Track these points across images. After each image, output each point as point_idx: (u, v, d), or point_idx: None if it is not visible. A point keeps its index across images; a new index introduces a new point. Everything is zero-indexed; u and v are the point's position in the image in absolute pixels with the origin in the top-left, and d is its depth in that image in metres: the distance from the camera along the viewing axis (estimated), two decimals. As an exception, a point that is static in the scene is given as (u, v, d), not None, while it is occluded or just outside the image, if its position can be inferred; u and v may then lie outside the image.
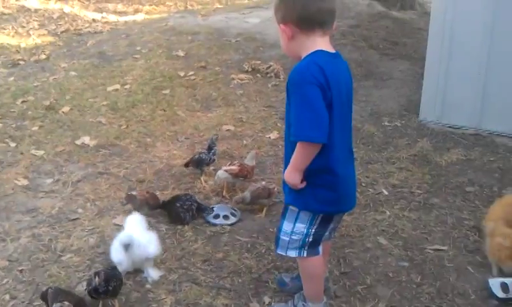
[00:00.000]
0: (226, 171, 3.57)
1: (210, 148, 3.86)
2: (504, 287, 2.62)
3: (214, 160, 3.86)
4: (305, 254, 2.31)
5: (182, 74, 6.09)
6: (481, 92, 4.60)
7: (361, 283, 2.75)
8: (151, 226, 3.12)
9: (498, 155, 4.30)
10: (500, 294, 2.61)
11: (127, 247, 2.69)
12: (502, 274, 2.75)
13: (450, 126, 4.78)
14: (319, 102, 2.01)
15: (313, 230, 2.26)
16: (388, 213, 3.44)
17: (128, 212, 3.35)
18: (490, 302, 2.63)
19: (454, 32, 4.59)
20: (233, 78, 5.98)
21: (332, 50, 2.14)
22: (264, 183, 3.52)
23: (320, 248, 2.35)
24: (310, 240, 2.28)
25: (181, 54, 6.75)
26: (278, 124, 4.85)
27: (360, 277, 2.81)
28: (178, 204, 3.28)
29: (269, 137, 4.57)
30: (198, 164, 3.81)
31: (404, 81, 5.97)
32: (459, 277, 2.84)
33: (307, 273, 2.41)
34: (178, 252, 3.01)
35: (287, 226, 2.29)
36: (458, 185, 3.81)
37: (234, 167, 3.59)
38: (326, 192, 2.17)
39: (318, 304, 2.44)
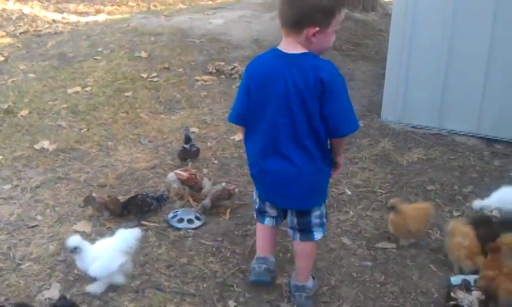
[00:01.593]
0: (175, 174, 3.54)
1: (188, 139, 3.98)
2: (465, 283, 2.66)
3: (197, 149, 4.05)
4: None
5: (144, 76, 6.00)
6: (441, 92, 4.70)
7: (326, 284, 2.76)
8: (112, 233, 3.06)
9: (458, 154, 4.40)
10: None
11: (73, 250, 2.63)
12: (462, 272, 2.80)
13: (411, 126, 4.86)
14: (240, 90, 2.45)
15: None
16: (351, 213, 3.47)
17: (90, 218, 3.30)
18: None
19: (414, 33, 4.67)
20: (197, 80, 5.94)
21: (289, 51, 2.28)
22: (223, 184, 3.49)
23: (266, 220, 2.69)
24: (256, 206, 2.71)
25: (144, 55, 6.66)
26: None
27: (325, 278, 2.82)
28: (139, 196, 3.33)
29: (234, 139, 4.55)
30: (183, 155, 3.97)
31: (366, 82, 6.04)
32: (422, 275, 2.88)
33: None
34: (142, 258, 2.96)
35: None
36: (419, 184, 3.88)
37: (184, 174, 3.54)
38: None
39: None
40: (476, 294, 2.47)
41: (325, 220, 2.56)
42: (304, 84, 2.23)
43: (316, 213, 2.50)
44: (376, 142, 4.57)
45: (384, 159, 4.28)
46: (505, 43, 4.45)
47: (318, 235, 2.54)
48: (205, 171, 3.98)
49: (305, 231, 2.52)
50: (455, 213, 3.45)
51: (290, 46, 2.28)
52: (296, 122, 2.28)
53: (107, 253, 2.69)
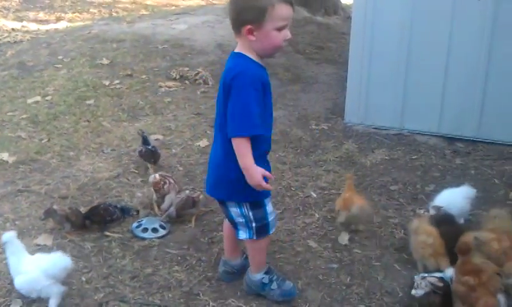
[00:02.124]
0: (158, 175, 3.56)
1: (145, 141, 4.02)
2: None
3: (155, 150, 4.03)
4: None
5: (106, 83, 5.90)
6: (402, 93, 4.79)
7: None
8: (75, 246, 3.00)
9: (420, 153, 4.49)
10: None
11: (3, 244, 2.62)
12: (427, 270, 2.84)
13: (374, 127, 4.94)
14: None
15: None
16: (316, 215, 3.49)
17: (51, 231, 3.22)
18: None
19: (374, 36, 4.75)
20: (160, 86, 5.88)
21: (235, 50, 2.40)
22: (187, 192, 3.46)
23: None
24: None
25: (105, 62, 6.55)
26: (208, 131, 4.81)
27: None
28: (102, 206, 3.26)
29: (199, 145, 4.52)
30: (148, 157, 3.99)
31: (330, 85, 6.11)
32: (387, 275, 2.91)
33: None
34: (105, 271, 2.90)
35: None
36: (383, 185, 3.93)
37: (157, 176, 3.54)
38: None
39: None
40: (432, 280, 2.52)
41: (253, 225, 2.50)
42: (223, 81, 2.34)
43: (234, 209, 2.50)
44: (340, 144, 4.61)
45: (348, 161, 4.32)
46: (462, 45, 4.58)
47: (242, 235, 2.55)
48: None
49: (233, 225, 2.60)
50: (418, 212, 3.49)
51: (237, 46, 2.40)
52: (219, 114, 2.42)
53: (31, 271, 2.56)
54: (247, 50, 2.35)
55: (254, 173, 2.28)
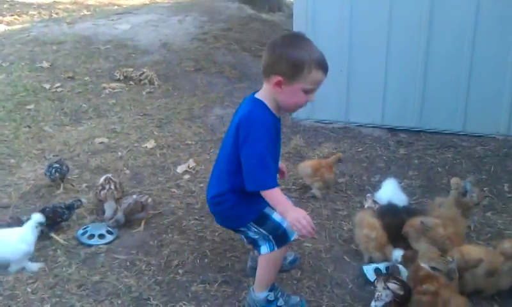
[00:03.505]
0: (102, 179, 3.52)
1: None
2: (377, 272, 2.75)
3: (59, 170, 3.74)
4: None
5: (47, 87, 5.72)
6: (346, 87, 4.88)
7: (245, 288, 2.74)
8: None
9: (365, 145, 4.59)
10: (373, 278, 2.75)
11: None
12: (373, 261, 2.90)
13: (320, 122, 5.00)
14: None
15: None
16: (267, 212, 3.49)
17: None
18: (367, 288, 2.75)
19: (315, 32, 4.81)
20: (104, 88, 5.75)
21: (256, 95, 2.43)
22: (134, 196, 3.38)
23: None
24: None
25: (46, 65, 6.35)
26: (155, 132, 4.74)
27: (243, 281, 2.81)
28: (47, 209, 3.16)
29: (146, 147, 4.45)
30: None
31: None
32: (337, 267, 2.95)
33: None
34: (51, 280, 2.79)
35: None
36: (331, 178, 3.99)
37: (101, 180, 3.50)
38: None
39: None
40: (392, 287, 2.48)
41: (270, 237, 2.45)
42: (237, 122, 2.36)
43: (246, 231, 2.52)
44: (289, 139, 4.65)
45: (297, 156, 4.36)
46: (401, 39, 4.72)
47: (264, 249, 2.47)
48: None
49: (254, 245, 2.56)
50: (364, 204, 3.56)
51: (260, 91, 2.41)
52: (225, 152, 2.50)
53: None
54: (268, 99, 2.37)
55: (295, 214, 2.24)
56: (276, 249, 2.45)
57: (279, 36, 2.43)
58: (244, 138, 2.30)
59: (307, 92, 2.32)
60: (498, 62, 4.59)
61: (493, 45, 4.56)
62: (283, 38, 2.40)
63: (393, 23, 4.69)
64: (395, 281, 2.49)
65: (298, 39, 2.35)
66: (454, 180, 3.34)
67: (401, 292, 2.43)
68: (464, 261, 2.61)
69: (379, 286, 2.49)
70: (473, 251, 2.67)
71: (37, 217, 2.95)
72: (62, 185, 3.73)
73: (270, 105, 2.37)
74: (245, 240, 2.65)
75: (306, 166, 3.77)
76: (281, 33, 7.95)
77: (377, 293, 2.46)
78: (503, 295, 2.64)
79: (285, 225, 2.44)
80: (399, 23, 4.67)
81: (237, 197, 2.45)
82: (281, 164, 2.76)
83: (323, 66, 2.31)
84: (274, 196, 2.30)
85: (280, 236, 2.45)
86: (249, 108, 2.37)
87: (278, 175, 2.64)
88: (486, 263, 2.60)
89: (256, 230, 2.48)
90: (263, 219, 2.45)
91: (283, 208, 2.29)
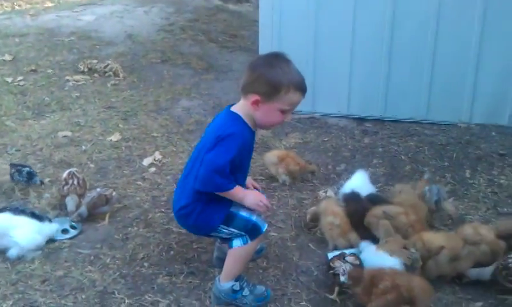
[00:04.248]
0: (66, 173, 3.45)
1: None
2: (339, 257, 2.78)
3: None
4: None
5: (9, 80, 5.59)
6: (312, 78, 4.89)
7: (211, 279, 2.74)
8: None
9: (331, 135, 4.63)
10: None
11: None
12: (337, 248, 2.93)
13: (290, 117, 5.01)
14: None
15: None
16: (233, 203, 3.49)
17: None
18: (331, 275, 2.79)
19: (282, 22, 4.83)
20: (68, 80, 5.65)
21: (232, 108, 2.51)
22: (98, 189, 3.34)
23: None
24: None
25: (8, 58, 6.20)
26: (120, 125, 4.68)
27: (209, 271, 2.81)
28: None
29: (111, 140, 4.39)
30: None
31: (244, 73, 6.11)
32: (302, 255, 2.98)
33: None
34: (14, 277, 2.74)
35: None
36: (297, 167, 4.01)
37: (64, 175, 3.44)
38: None
39: None
40: (350, 259, 2.61)
41: (242, 233, 2.48)
42: (214, 135, 2.40)
43: (218, 234, 2.55)
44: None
45: (263, 147, 4.37)
46: (367, 29, 4.76)
47: (237, 242, 2.49)
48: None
49: (227, 242, 2.57)
50: (329, 192, 3.60)
51: (237, 105, 2.48)
52: (193, 163, 2.55)
53: None
54: (245, 114, 2.44)
55: (248, 198, 2.44)
56: (249, 241, 2.49)
57: (260, 55, 2.52)
58: (215, 145, 2.36)
59: (284, 112, 2.40)
60: (460, 53, 4.68)
61: (455, 35, 4.64)
62: (263, 58, 2.49)
63: (358, 15, 4.73)
64: (349, 254, 2.66)
65: (278, 60, 2.41)
66: (421, 184, 3.37)
67: (358, 262, 2.60)
68: (426, 249, 2.67)
69: (338, 263, 2.59)
70: (434, 238, 2.72)
71: (64, 225, 3.15)
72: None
73: (247, 119, 2.44)
74: (219, 240, 2.67)
75: (272, 155, 3.79)
76: (249, 25, 7.98)
77: (341, 269, 2.54)
78: (463, 277, 2.71)
79: (254, 218, 2.47)
80: (363, 14, 4.72)
81: (202, 205, 2.48)
82: (256, 184, 2.82)
83: (301, 89, 2.40)
84: (230, 192, 2.42)
85: (252, 230, 2.48)
86: (227, 120, 2.45)
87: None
88: (447, 249, 2.66)
89: (227, 231, 2.50)
90: (231, 219, 2.48)
91: (240, 196, 2.43)
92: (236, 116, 2.45)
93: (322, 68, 4.89)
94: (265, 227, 2.53)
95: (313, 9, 4.78)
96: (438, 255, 2.65)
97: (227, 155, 2.33)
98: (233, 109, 2.49)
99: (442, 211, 3.21)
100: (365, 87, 4.92)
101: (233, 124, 2.42)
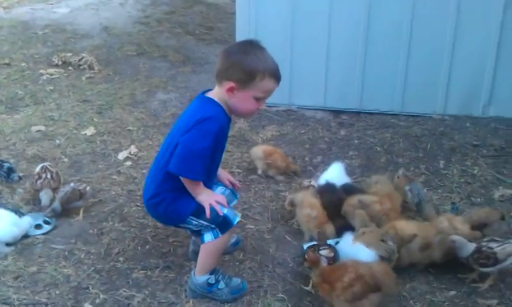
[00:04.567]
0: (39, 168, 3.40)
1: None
2: (313, 248, 2.80)
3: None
4: None
5: (-19, 74, 5.47)
6: (289, 70, 4.90)
7: (186, 273, 2.73)
8: None
9: (308, 127, 4.65)
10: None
11: None
12: (313, 239, 2.95)
13: (264, 105, 5.01)
14: None
15: None
16: (210, 196, 3.48)
17: None
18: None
19: (258, 13, 4.82)
20: (41, 74, 5.57)
21: (207, 93, 2.49)
22: (72, 184, 3.30)
23: None
24: None
25: (-21, 51, 6.07)
26: (95, 119, 4.63)
27: (185, 265, 2.81)
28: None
29: (85, 134, 4.34)
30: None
31: (218, 59, 6.09)
32: (278, 247, 2.99)
33: None
34: (-15, 274, 2.71)
35: None
36: (274, 160, 4.02)
37: (37, 169, 3.40)
38: None
39: None
40: (324, 253, 2.65)
41: (212, 226, 2.45)
42: (186, 121, 2.39)
43: (187, 226, 2.54)
44: (233, 123, 4.57)
45: (240, 139, 4.37)
46: (343, 22, 4.79)
47: (208, 237, 2.47)
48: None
49: (198, 235, 2.59)
50: (306, 184, 3.62)
51: (212, 92, 2.46)
52: (164, 151, 2.51)
53: None
54: (220, 101, 2.42)
55: (205, 197, 2.43)
56: (220, 235, 2.46)
57: (235, 42, 2.49)
58: (193, 127, 2.33)
59: (258, 99, 2.41)
60: (435, 45, 4.72)
61: (430, 28, 4.68)
62: (237, 45, 2.50)
63: (334, 7, 4.74)
64: (324, 247, 2.71)
65: (252, 47, 2.41)
66: (399, 181, 3.40)
67: (332, 254, 2.64)
68: (398, 237, 2.71)
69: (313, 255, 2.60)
70: (406, 227, 2.77)
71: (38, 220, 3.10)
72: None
73: (223, 105, 2.43)
74: (189, 232, 2.64)
75: (259, 150, 3.79)
76: (226, 17, 7.95)
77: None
78: (436, 267, 2.75)
79: (225, 211, 2.46)
80: (340, 7, 4.73)
81: (173, 195, 2.47)
82: (232, 179, 2.84)
83: (275, 76, 2.41)
84: (188, 184, 2.42)
85: (222, 223, 2.45)
86: (201, 106, 2.43)
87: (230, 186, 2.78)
88: (419, 237, 2.70)
89: (196, 223, 2.49)
90: (201, 210, 2.45)
91: (197, 192, 2.43)
92: (213, 101, 2.43)
93: (299, 60, 4.90)
94: (236, 220, 2.49)
95: (290, 2, 4.77)
96: (410, 243, 2.69)
97: (208, 139, 2.33)
98: (208, 95, 2.47)
99: (422, 213, 3.23)
100: (342, 80, 4.94)
101: (212, 108, 2.40)
